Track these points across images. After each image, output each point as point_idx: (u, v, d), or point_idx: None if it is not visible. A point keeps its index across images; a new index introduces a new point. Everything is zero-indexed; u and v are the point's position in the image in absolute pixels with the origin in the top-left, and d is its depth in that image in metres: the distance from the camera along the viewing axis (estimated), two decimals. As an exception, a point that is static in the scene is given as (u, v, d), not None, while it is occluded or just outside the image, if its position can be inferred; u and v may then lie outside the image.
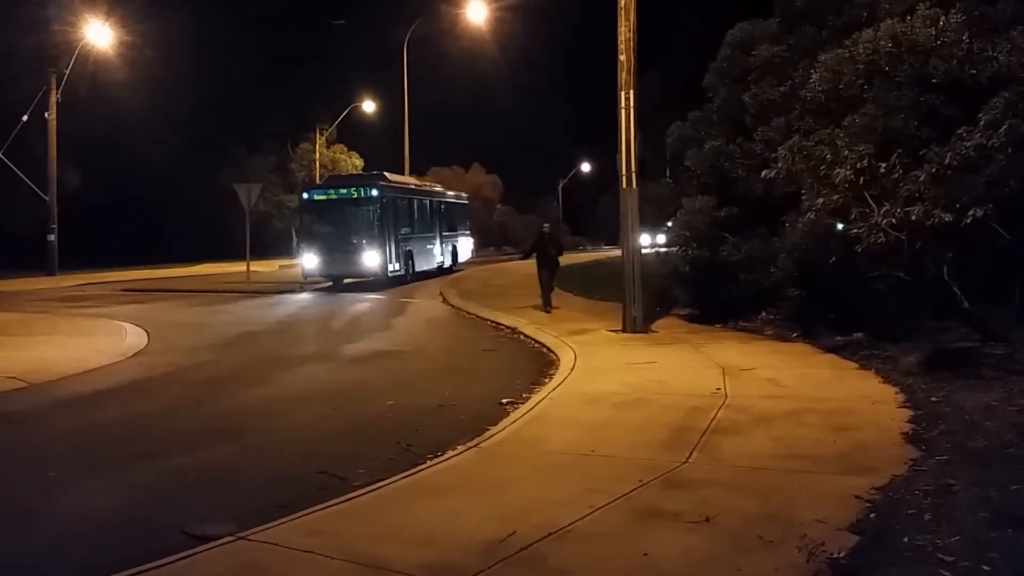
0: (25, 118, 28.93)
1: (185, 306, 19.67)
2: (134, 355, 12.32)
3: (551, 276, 16.53)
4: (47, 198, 29.73)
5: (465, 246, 33.64)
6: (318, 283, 24.08)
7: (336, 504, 5.39)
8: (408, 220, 25.62)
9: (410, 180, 30.06)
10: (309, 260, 23.29)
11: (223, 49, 40.73)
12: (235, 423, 8.17)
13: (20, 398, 9.36)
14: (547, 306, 16.10)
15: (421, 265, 26.48)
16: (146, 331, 14.42)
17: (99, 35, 28.61)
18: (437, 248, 29.04)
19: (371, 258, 22.82)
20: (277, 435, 7.75)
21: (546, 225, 18.10)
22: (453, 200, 32.73)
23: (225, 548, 4.67)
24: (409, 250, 25.26)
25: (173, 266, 33.05)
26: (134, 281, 27.20)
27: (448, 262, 30.34)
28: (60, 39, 28.78)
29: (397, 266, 23.93)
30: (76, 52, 28.66)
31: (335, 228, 23.43)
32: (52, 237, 29.76)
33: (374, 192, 23.32)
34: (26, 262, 29.75)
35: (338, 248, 23.00)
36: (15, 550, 5.07)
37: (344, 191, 23.87)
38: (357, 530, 4.92)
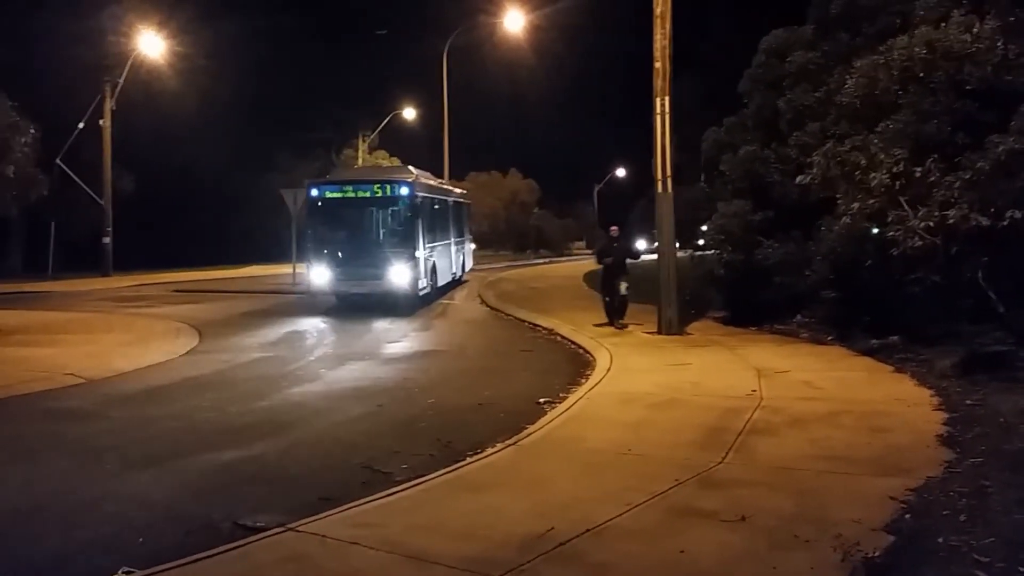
0: (81, 126, 29.83)
1: (235, 306, 20.02)
2: (186, 353, 12.69)
3: (618, 285, 14.61)
4: (102, 202, 30.59)
5: (470, 252, 29.22)
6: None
7: (380, 498, 5.57)
8: (432, 225, 20.67)
9: (430, 176, 24.65)
10: (319, 274, 18.32)
11: (270, 58, 41.66)
12: (283, 419, 8.42)
13: (78, 394, 9.69)
14: (610, 319, 14.43)
15: (442, 279, 22.11)
16: (197, 330, 14.83)
17: (152, 45, 29.53)
18: (453, 257, 24.59)
19: (399, 273, 17.94)
20: (323, 430, 8.00)
21: (613, 228, 15.85)
22: (462, 200, 27.89)
23: (275, 539, 4.85)
24: (434, 262, 20.56)
25: (223, 268, 33.59)
26: (186, 282, 27.69)
27: (459, 272, 25.97)
28: (115, 50, 29.68)
29: (425, 282, 19.19)
30: (129, 62, 29.59)
31: (353, 234, 18.56)
32: (107, 240, 30.61)
33: (404, 190, 18.23)
34: (83, 264, 30.59)
35: (356, 260, 18.10)
36: (76, 538, 5.27)
37: (365, 188, 18.66)
38: (400, 523, 5.06)
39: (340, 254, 18.24)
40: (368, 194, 18.54)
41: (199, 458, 6.97)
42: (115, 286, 26.43)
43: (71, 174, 29.73)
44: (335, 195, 18.63)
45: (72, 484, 6.33)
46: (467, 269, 27.74)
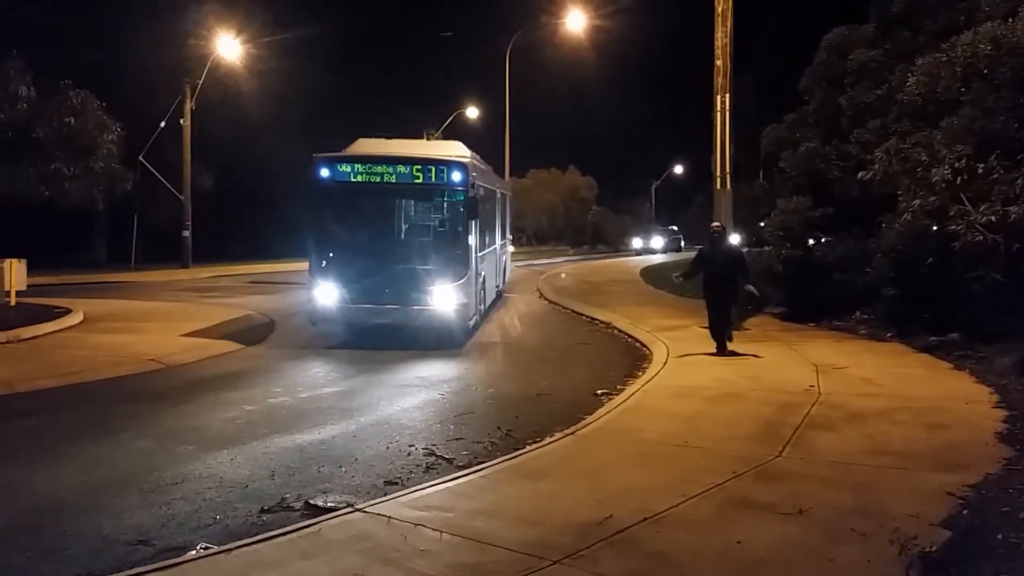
0: (163, 124, 31.20)
1: (306, 298, 20.42)
2: (260, 342, 13.15)
3: (725, 302, 11.23)
4: (182, 197, 31.93)
5: (510, 257, 23.10)
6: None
7: (443, 483, 5.81)
8: (484, 224, 14.84)
9: (479, 159, 16.61)
10: (325, 292, 12.80)
11: (337, 59, 42.62)
12: (351, 405, 8.77)
13: (158, 379, 10.17)
14: (718, 343, 11.20)
15: (489, 297, 16.58)
16: (271, 319, 15.36)
17: (229, 48, 30.79)
18: (498, 267, 18.52)
19: (445, 297, 12.50)
20: (388, 416, 8.31)
21: (716, 224, 12.23)
22: (506, 190, 21.78)
23: (344, 518, 5.07)
24: (483, 278, 14.92)
25: (296, 260, 34.31)
26: (261, 274, 28.46)
27: (502, 284, 20.03)
28: (194, 52, 31.04)
29: (474, 307, 13.76)
30: (208, 64, 30.86)
31: (378, 237, 13.19)
32: (187, 233, 31.87)
33: (456, 175, 12.50)
34: (163, 256, 31.73)
35: (381, 274, 12.56)
36: (155, 514, 5.52)
37: (401, 170, 12.66)
38: (462, 507, 5.24)
39: (358, 265, 12.70)
40: (403, 177, 12.65)
41: (272, 440, 7.26)
42: (194, 277, 27.35)
43: (152, 170, 31.00)
44: (355, 177, 12.76)
45: (151, 464, 6.60)
46: (508, 277, 21.97)
